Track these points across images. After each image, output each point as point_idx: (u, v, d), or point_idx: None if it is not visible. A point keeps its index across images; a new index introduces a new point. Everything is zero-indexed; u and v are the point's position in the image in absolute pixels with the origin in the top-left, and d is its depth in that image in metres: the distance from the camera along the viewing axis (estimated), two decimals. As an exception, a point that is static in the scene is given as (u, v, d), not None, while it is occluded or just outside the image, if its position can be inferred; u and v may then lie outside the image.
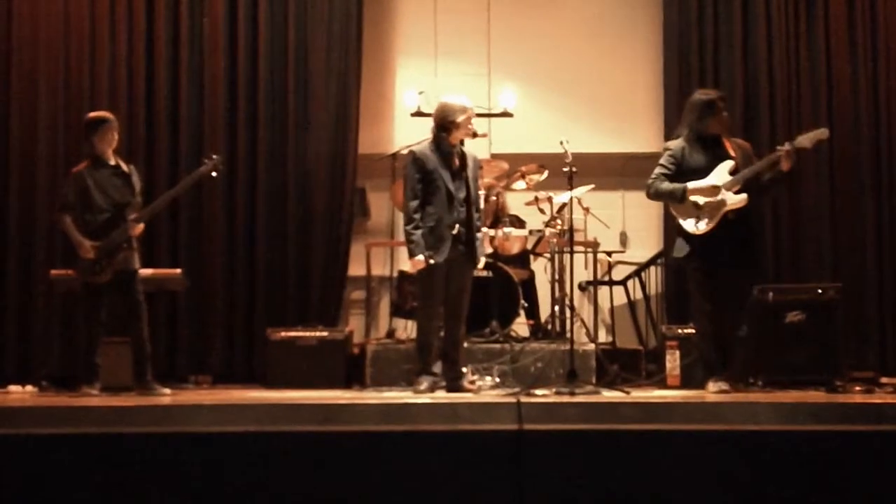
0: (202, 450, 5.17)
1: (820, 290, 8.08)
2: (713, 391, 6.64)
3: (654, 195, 7.01)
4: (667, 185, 6.86)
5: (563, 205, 8.43)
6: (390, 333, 8.81)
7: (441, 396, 6.60)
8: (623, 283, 9.45)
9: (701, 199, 6.75)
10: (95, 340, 7.26)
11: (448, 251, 6.92)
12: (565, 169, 6.98)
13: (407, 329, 8.79)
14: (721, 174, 6.79)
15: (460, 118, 6.98)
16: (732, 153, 6.89)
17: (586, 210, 9.00)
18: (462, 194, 6.97)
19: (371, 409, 5.56)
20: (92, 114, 7.63)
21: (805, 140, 6.79)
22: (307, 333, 8.38)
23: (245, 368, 9.04)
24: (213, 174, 7.66)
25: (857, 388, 7.12)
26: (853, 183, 9.26)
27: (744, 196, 6.75)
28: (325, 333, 8.40)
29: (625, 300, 9.49)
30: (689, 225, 6.83)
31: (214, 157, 7.71)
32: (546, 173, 8.76)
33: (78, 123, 9.08)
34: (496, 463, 5.15)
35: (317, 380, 7.97)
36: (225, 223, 9.20)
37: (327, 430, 5.26)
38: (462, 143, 7.12)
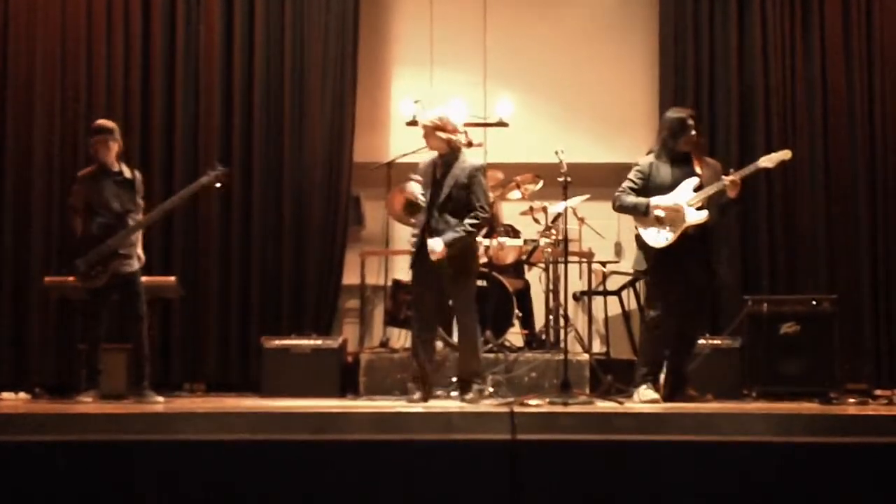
0: (196, 458, 5.16)
1: (815, 302, 8.10)
2: (645, 400, 6.76)
3: (619, 208, 7.19)
4: (631, 199, 7.05)
5: (558, 215, 8.42)
6: (384, 342, 8.79)
7: (434, 406, 6.59)
8: (617, 293, 9.43)
9: (663, 214, 6.93)
10: (96, 346, 7.28)
11: (420, 259, 6.93)
12: (560, 179, 6.98)
13: (401, 338, 8.78)
14: (685, 191, 6.95)
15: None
16: (699, 171, 7.03)
17: (581, 220, 9.00)
18: (438, 201, 6.94)
19: (365, 417, 5.56)
20: (97, 122, 7.60)
21: (767, 161, 7.02)
22: (301, 342, 8.38)
23: (239, 376, 9.04)
24: (218, 185, 7.58)
25: (852, 400, 7.13)
26: (848, 194, 9.27)
27: (705, 213, 6.91)
28: (319, 342, 8.40)
29: (619, 310, 9.48)
30: (650, 238, 6.99)
31: (220, 168, 7.60)
32: (541, 183, 8.76)
33: (73, 130, 9.14)
34: (490, 472, 5.13)
35: (311, 388, 7.96)
36: (220, 231, 9.21)
37: (321, 439, 5.25)
38: (464, 148, 7.06)
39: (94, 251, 7.13)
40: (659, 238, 6.96)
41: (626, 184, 7.12)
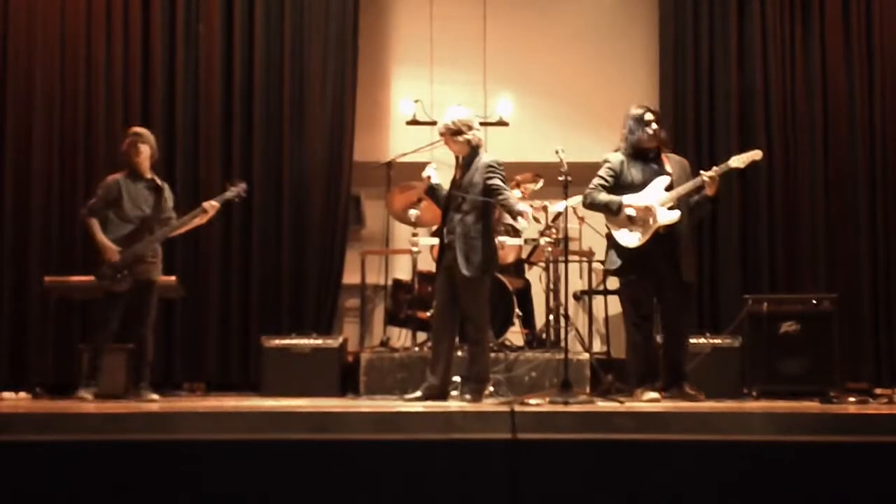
0: (196, 457, 5.16)
1: (815, 301, 8.10)
2: (645, 399, 6.75)
3: (591, 205, 7.15)
4: (604, 197, 7.01)
5: (559, 214, 8.43)
6: (384, 342, 8.78)
7: (434, 405, 6.58)
8: (618, 292, 9.42)
9: (634, 213, 6.90)
10: (103, 345, 7.34)
11: (443, 259, 6.95)
12: (560, 178, 6.97)
13: (401, 338, 8.78)
14: (656, 190, 6.93)
15: None
16: (669, 169, 7.01)
17: (581, 219, 8.99)
18: (455, 202, 6.95)
19: (365, 417, 5.54)
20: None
21: (738, 161, 7.01)
22: (301, 341, 8.37)
23: (239, 376, 9.04)
24: (237, 200, 7.81)
25: (852, 399, 7.12)
26: (848, 194, 9.27)
27: (677, 213, 6.90)
28: (319, 341, 8.40)
29: (619, 310, 9.46)
30: (622, 238, 6.97)
31: (241, 184, 7.78)
32: (541, 182, 8.77)
33: (73, 130, 9.14)
34: (490, 472, 5.13)
35: (311, 388, 7.96)
36: (220, 230, 9.20)
37: (321, 439, 5.24)
38: (473, 151, 7.03)
39: (123, 255, 7.17)
40: (631, 238, 6.93)
41: (596, 181, 7.06)
